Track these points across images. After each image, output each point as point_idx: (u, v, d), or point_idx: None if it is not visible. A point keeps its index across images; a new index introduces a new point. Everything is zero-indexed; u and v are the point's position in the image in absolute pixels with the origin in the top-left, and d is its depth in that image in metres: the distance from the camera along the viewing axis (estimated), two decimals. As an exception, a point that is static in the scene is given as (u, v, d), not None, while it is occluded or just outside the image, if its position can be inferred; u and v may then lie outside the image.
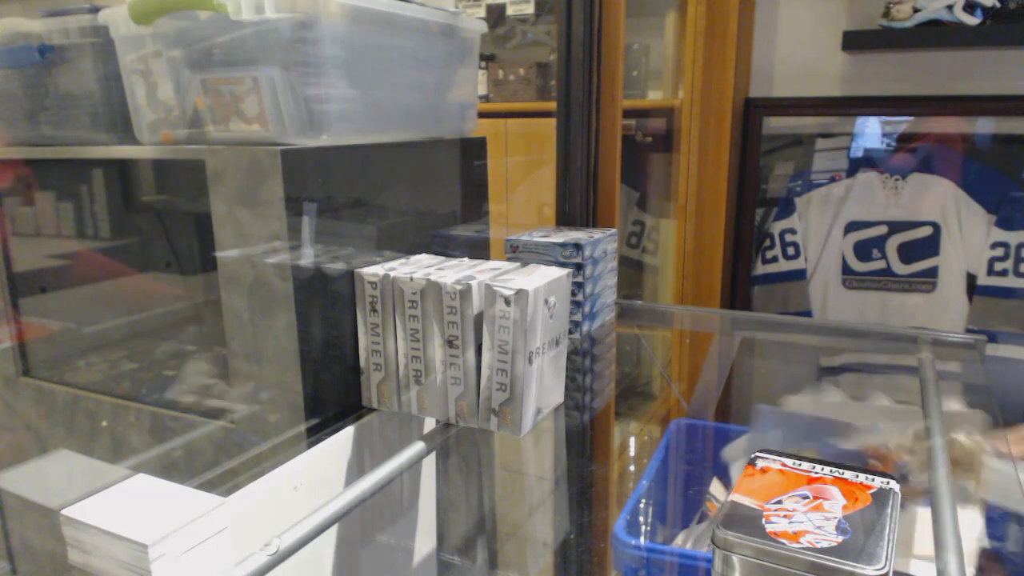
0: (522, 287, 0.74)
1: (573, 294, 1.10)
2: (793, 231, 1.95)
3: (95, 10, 0.86)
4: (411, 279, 0.78)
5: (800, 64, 1.91)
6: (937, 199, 1.82)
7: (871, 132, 1.88)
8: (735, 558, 0.52)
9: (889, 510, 0.55)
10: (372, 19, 0.83)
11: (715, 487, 1.09)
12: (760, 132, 1.95)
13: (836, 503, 0.56)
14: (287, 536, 0.59)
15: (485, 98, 2.15)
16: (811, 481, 0.59)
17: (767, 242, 1.98)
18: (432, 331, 0.79)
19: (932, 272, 1.84)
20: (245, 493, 0.68)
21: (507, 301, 0.74)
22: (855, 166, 1.89)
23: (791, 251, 1.96)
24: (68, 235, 1.10)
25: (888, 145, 1.87)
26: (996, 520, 1.00)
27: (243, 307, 0.79)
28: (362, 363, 0.85)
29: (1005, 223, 1.76)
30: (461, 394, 0.79)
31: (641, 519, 1.03)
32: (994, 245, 1.77)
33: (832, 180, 1.91)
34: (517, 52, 2.24)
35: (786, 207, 1.96)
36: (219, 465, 0.86)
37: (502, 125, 1.96)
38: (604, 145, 1.34)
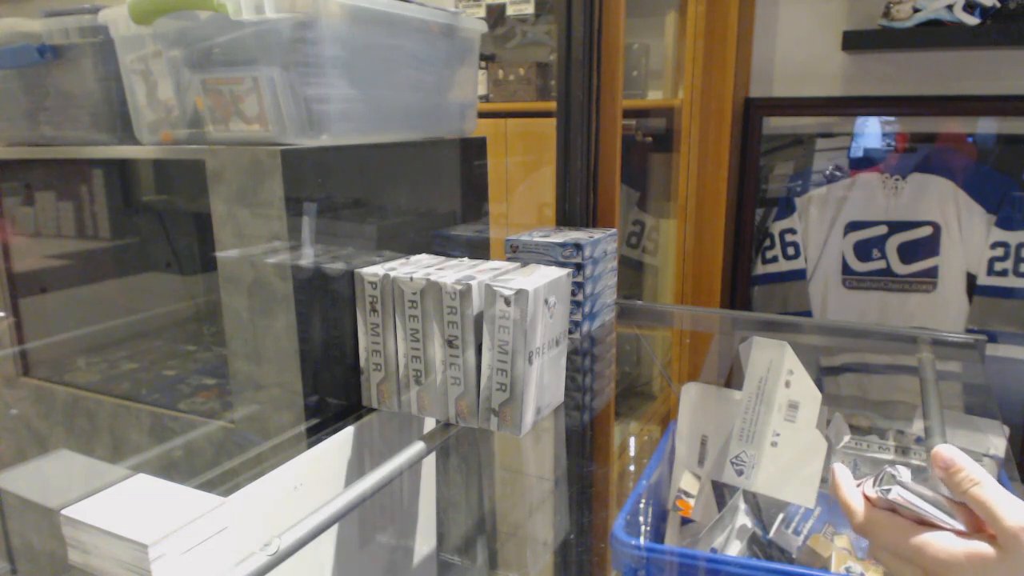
0: (522, 287, 0.74)
1: (573, 294, 1.10)
2: (793, 231, 1.95)
3: (95, 10, 0.86)
4: (411, 279, 0.78)
5: (800, 64, 1.91)
6: (937, 199, 1.82)
7: (871, 132, 1.88)
8: None
9: None
10: (372, 19, 0.83)
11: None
12: (760, 132, 1.95)
13: None
14: (287, 536, 0.59)
15: (485, 98, 2.15)
16: None
17: (767, 242, 1.98)
18: (432, 331, 0.79)
19: (932, 272, 1.84)
20: (245, 493, 0.68)
21: (507, 301, 0.74)
22: (855, 166, 1.89)
23: (791, 251, 1.96)
24: (68, 235, 1.10)
25: (888, 145, 1.87)
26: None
27: (243, 307, 0.79)
28: (362, 363, 0.85)
29: (1005, 223, 1.76)
30: (461, 394, 0.79)
31: (641, 519, 1.03)
32: (994, 245, 1.77)
33: (832, 180, 1.91)
34: (517, 52, 2.24)
35: (786, 207, 1.96)
36: (219, 465, 0.86)
37: (502, 125, 1.95)
38: (604, 145, 1.34)
